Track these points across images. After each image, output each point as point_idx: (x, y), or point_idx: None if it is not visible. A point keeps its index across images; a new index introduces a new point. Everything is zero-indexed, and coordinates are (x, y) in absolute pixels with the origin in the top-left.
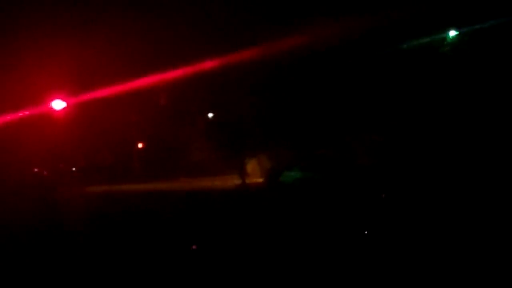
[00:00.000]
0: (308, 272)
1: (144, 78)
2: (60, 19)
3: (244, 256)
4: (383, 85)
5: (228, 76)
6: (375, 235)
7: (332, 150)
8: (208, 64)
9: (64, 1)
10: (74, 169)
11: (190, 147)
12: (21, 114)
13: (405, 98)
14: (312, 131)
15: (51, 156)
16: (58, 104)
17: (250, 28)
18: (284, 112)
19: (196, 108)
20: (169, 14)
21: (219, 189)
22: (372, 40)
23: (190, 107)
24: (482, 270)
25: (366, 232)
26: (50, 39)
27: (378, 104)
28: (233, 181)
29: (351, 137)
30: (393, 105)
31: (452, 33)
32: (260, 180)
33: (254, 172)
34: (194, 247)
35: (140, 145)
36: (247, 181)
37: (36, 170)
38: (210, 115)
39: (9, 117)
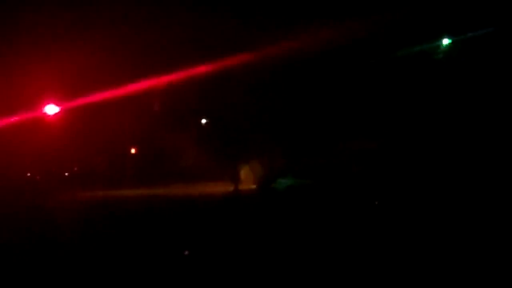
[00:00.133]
0: (301, 279)
1: (137, 84)
2: (53, 25)
3: (236, 263)
4: (375, 92)
5: (222, 82)
6: (369, 242)
7: (324, 157)
8: (202, 70)
9: (56, 7)
10: (67, 174)
11: (183, 153)
12: (14, 118)
13: (397, 105)
14: (305, 138)
15: (44, 161)
16: (51, 109)
17: (242, 34)
18: (277, 119)
19: (189, 114)
20: (161, 19)
21: (211, 195)
22: (363, 48)
23: (183, 112)
24: (476, 277)
25: (360, 237)
26: (43, 44)
27: (371, 111)
28: (226, 187)
29: (344, 144)
30: (385, 112)
31: (445, 41)
32: (253, 186)
33: (247, 179)
34: (186, 253)
35: (133, 151)
36: (240, 187)
37: (28, 174)
38: (204, 121)
39: (1, 122)
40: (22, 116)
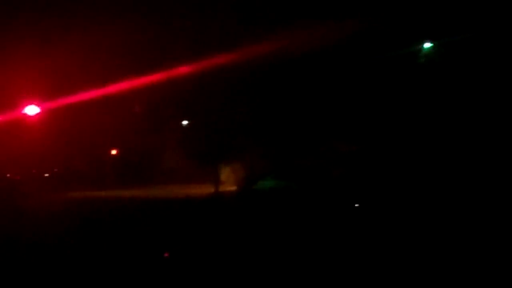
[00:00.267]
0: (280, 280)
1: (119, 85)
2: (34, 26)
3: (215, 264)
4: (357, 96)
5: (204, 84)
6: (349, 244)
7: (306, 160)
8: (183, 72)
9: (38, 9)
10: (47, 174)
11: (164, 155)
12: None
13: (378, 109)
14: (287, 140)
15: (24, 162)
16: (31, 110)
17: (224, 37)
18: (258, 121)
19: (170, 115)
20: (144, 21)
21: (192, 197)
22: (346, 53)
23: (164, 114)
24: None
25: (339, 240)
26: (24, 45)
27: (352, 115)
28: (207, 189)
29: (325, 147)
30: (367, 116)
31: (427, 44)
32: (234, 188)
33: (228, 180)
34: (166, 254)
35: (114, 152)
36: (221, 189)
37: (8, 175)
38: (185, 122)
39: None
40: (2, 116)
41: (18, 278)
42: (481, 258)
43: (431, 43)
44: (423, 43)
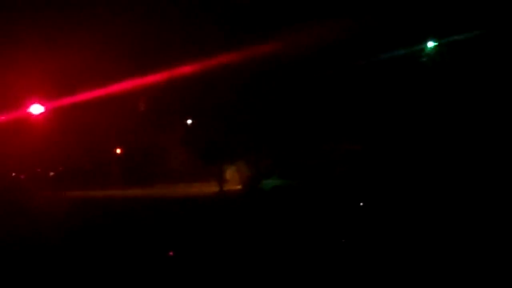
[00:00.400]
0: (285, 279)
1: (123, 84)
2: (38, 26)
3: (221, 263)
4: (361, 95)
5: (208, 83)
6: (353, 243)
7: (310, 159)
8: (188, 71)
9: (43, 9)
10: (52, 173)
11: (169, 154)
12: None
13: (382, 108)
14: (291, 139)
15: (28, 161)
16: (36, 109)
17: (228, 36)
18: (263, 121)
19: (176, 114)
20: (147, 20)
21: (197, 196)
22: (348, 51)
23: (169, 113)
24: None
25: (343, 240)
26: (28, 45)
27: (356, 114)
28: (212, 188)
29: (330, 146)
30: (370, 114)
31: (430, 44)
32: (239, 187)
33: (233, 179)
34: (171, 253)
35: (118, 151)
36: (226, 188)
37: (13, 174)
38: (189, 121)
39: None
40: (7, 115)
41: (23, 277)
42: (485, 257)
43: (435, 42)
44: (426, 42)
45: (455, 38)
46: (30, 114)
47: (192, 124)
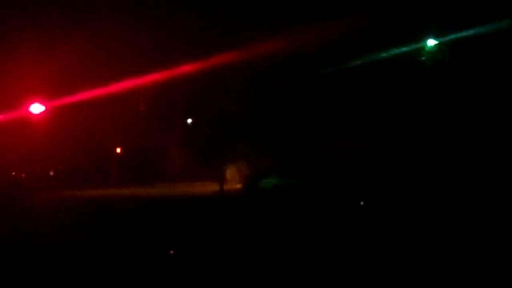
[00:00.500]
0: (285, 277)
1: (123, 83)
2: (38, 25)
3: (221, 262)
4: (361, 93)
5: (208, 82)
6: (355, 242)
7: (310, 157)
8: (188, 70)
9: (44, 7)
10: (51, 173)
11: (168, 153)
12: None
13: (382, 106)
14: (291, 138)
15: (29, 160)
16: (36, 108)
17: (229, 34)
18: (263, 119)
19: (175, 113)
20: (147, 20)
21: (197, 195)
22: (348, 50)
23: (169, 112)
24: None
25: (346, 237)
26: (28, 44)
27: (356, 112)
28: (212, 187)
29: (329, 144)
30: (370, 113)
31: (431, 42)
32: (239, 186)
33: (233, 178)
34: (171, 252)
35: (118, 150)
36: (226, 187)
37: (13, 173)
38: (189, 121)
39: None
40: (7, 115)
41: (23, 277)
42: (483, 253)
43: (436, 40)
44: (427, 41)
45: (457, 36)
46: (30, 113)
47: (192, 123)
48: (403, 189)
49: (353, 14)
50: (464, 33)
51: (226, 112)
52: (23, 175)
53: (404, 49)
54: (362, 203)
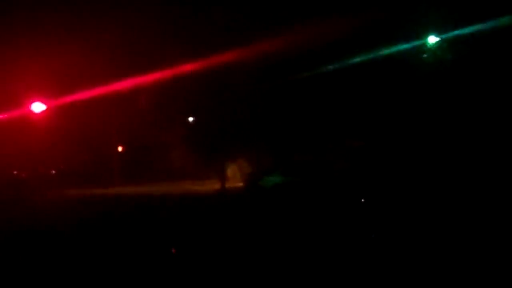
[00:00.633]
0: (286, 276)
1: (125, 82)
2: (39, 24)
3: (223, 260)
4: (361, 91)
5: (209, 81)
6: (356, 239)
7: (311, 155)
8: (189, 69)
9: (43, 6)
10: (53, 172)
11: (170, 151)
12: (0, 116)
13: (383, 104)
14: (292, 136)
15: (30, 159)
16: (38, 107)
17: (229, 35)
18: (264, 118)
19: (177, 112)
20: (149, 18)
21: (199, 193)
22: (350, 47)
23: (171, 111)
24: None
25: (348, 234)
26: (30, 43)
27: (357, 110)
28: (213, 185)
29: (331, 142)
30: (371, 111)
31: (432, 39)
32: (240, 184)
33: (234, 177)
34: (173, 251)
35: (120, 149)
36: (227, 185)
37: (15, 172)
38: (191, 119)
39: None
40: (9, 113)
41: (24, 274)
42: (483, 252)
43: (437, 38)
44: (428, 38)
45: (458, 33)
46: (32, 112)
47: (193, 121)
48: (404, 187)
49: (355, 12)
50: (465, 31)
51: (227, 111)
52: (24, 174)
53: (405, 46)
54: (363, 200)
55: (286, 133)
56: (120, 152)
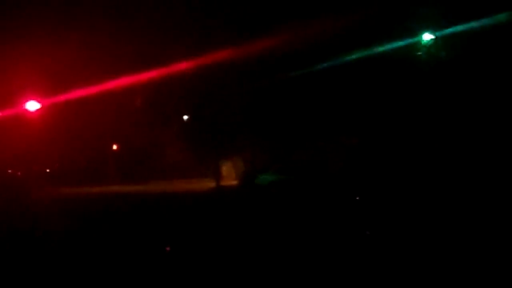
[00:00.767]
0: (282, 273)
1: (120, 80)
2: (33, 22)
3: (218, 258)
4: (356, 89)
5: (204, 79)
6: (350, 236)
7: (306, 153)
8: (184, 67)
9: (39, 5)
10: (48, 170)
11: (165, 149)
12: None
13: (378, 102)
14: (286, 134)
15: (25, 158)
16: (32, 105)
17: (223, 33)
18: (259, 116)
19: (172, 110)
20: (143, 17)
21: (193, 191)
22: (344, 45)
23: (165, 109)
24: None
25: (342, 232)
26: (24, 41)
27: (351, 108)
28: (208, 183)
29: (325, 140)
30: (366, 108)
31: (426, 36)
32: (235, 182)
33: (229, 175)
34: (167, 248)
35: (115, 147)
36: (222, 183)
37: (10, 171)
38: (185, 117)
39: None
40: (3, 112)
41: (19, 274)
42: (482, 255)
43: (431, 35)
44: (423, 35)
45: (452, 31)
46: (26, 111)
47: (188, 120)
48: (398, 184)
49: (348, 9)
50: (459, 28)
51: (222, 109)
52: (19, 173)
53: (400, 43)
54: (357, 198)
55: (280, 131)
56: (114, 151)
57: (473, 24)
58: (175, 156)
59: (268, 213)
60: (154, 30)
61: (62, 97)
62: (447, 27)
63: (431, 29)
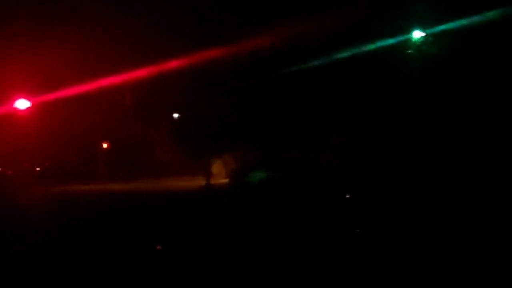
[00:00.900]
0: (273, 271)
1: (110, 78)
2: (24, 20)
3: (208, 257)
4: (346, 87)
5: (194, 77)
6: (339, 235)
7: (296, 151)
8: (174, 65)
9: (27, 3)
10: (38, 168)
11: (155, 148)
12: None
13: (368, 99)
14: (277, 132)
15: (15, 156)
16: (22, 104)
17: (215, 29)
18: (249, 114)
19: (162, 109)
20: (133, 15)
21: (184, 190)
22: (335, 43)
23: (155, 107)
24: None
25: (331, 230)
26: (13, 39)
27: (342, 106)
28: (199, 181)
29: (316, 138)
30: (356, 106)
31: (417, 34)
32: (226, 180)
33: (220, 173)
34: (158, 247)
35: (105, 146)
36: (212, 181)
37: (0, 169)
38: (176, 115)
39: None
40: None
41: (11, 273)
42: (474, 254)
43: (422, 32)
44: (413, 33)
45: (442, 28)
46: (16, 109)
47: (178, 118)
48: (388, 182)
49: (338, 7)
50: (449, 25)
51: (212, 107)
52: (9, 171)
53: (390, 41)
54: (347, 196)
55: (271, 129)
56: (105, 149)
57: (464, 21)
58: (166, 155)
59: (259, 211)
60: (144, 28)
61: (52, 96)
62: (437, 24)
63: (422, 27)
